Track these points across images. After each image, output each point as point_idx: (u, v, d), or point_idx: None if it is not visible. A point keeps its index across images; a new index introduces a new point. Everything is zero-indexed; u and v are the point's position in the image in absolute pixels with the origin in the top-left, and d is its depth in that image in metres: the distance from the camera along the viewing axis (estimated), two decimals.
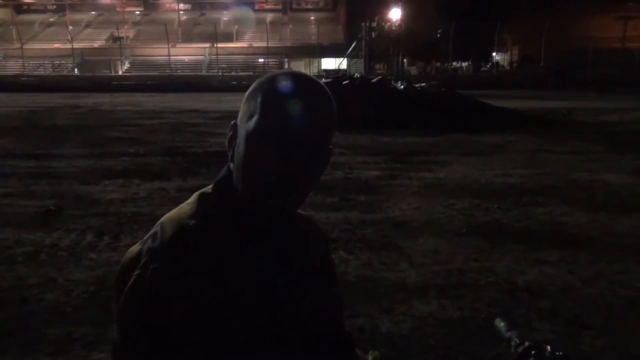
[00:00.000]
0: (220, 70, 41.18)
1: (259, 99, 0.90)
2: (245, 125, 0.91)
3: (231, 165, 0.95)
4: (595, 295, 3.59)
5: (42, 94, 27.92)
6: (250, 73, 37.47)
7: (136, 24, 59.86)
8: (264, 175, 0.87)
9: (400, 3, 43.86)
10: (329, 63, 46.98)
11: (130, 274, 0.86)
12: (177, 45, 50.27)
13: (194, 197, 0.97)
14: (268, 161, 0.87)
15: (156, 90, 29.82)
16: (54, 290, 3.68)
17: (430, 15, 41.45)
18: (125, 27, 55.13)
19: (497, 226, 5.13)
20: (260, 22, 54.31)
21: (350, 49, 46.99)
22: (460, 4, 39.68)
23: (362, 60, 45.63)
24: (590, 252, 4.40)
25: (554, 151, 9.57)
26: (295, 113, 0.87)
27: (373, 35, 45.07)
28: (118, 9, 59.91)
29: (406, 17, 43.71)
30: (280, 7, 62.72)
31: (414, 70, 43.16)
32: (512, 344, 1.02)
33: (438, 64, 45.09)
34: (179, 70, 44.87)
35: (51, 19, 59.19)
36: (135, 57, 51.07)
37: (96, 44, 52.95)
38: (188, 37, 54.78)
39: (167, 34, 41.73)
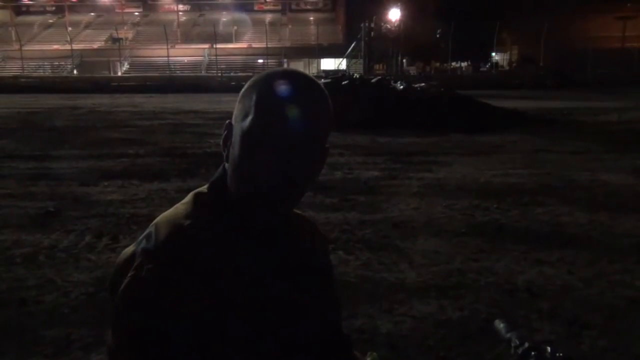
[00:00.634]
0: (219, 71, 41.17)
1: (254, 98, 0.88)
2: (240, 125, 0.89)
3: (226, 165, 0.94)
4: (595, 296, 3.59)
5: (41, 95, 27.94)
6: (250, 74, 37.31)
7: (135, 25, 59.84)
8: (259, 175, 0.86)
9: (399, 3, 43.86)
10: (329, 63, 46.97)
11: (125, 275, 0.85)
12: (177, 46, 50.26)
13: (189, 197, 0.96)
14: (263, 162, 0.86)
15: (155, 91, 29.85)
16: (52, 292, 3.67)
17: (429, 15, 41.46)
18: (125, 28, 55.14)
19: (497, 226, 5.13)
20: (259, 23, 54.31)
21: (350, 49, 46.97)
22: (459, 4, 39.67)
23: (361, 60, 45.59)
24: (590, 252, 4.39)
25: (554, 151, 9.57)
26: (291, 112, 0.85)
27: (372, 36, 45.06)
28: (117, 10, 59.90)
29: (405, 18, 43.71)
30: (279, 7, 62.72)
31: (413, 71, 43.13)
32: (512, 345, 1.01)
33: (437, 64, 45.07)
34: (178, 71, 44.83)
35: (50, 20, 59.18)
36: (135, 58, 51.04)
37: (95, 45, 52.93)
38: (187, 38, 54.78)
39: (166, 34, 41.71)
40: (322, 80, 15.04)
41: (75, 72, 46.53)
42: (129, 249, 0.90)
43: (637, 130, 12.30)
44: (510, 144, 10.44)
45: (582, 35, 37.80)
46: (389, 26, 44.87)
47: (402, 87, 14.90)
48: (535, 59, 40.42)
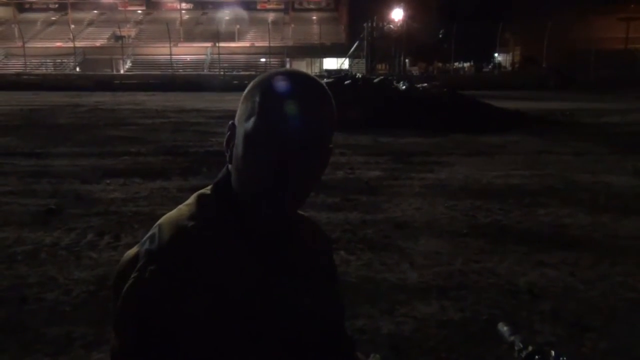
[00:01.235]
0: (221, 70, 41.14)
1: (257, 99, 0.88)
2: (243, 126, 0.89)
3: (229, 166, 0.94)
4: (597, 298, 3.58)
5: (43, 92, 27.97)
6: (252, 73, 37.37)
7: (138, 23, 59.86)
8: (263, 177, 0.86)
9: (402, 3, 43.81)
10: (331, 63, 46.94)
11: (128, 276, 0.85)
12: (179, 45, 50.26)
13: (192, 198, 0.95)
14: (266, 163, 0.85)
15: (158, 89, 29.88)
16: (53, 290, 3.67)
17: (432, 15, 41.40)
18: (127, 26, 55.15)
19: (499, 227, 5.12)
20: (262, 22, 54.31)
21: (352, 49, 46.94)
22: (462, 4, 39.62)
23: (364, 60, 45.57)
24: (592, 253, 4.39)
25: (556, 152, 9.55)
26: (294, 114, 0.85)
27: (375, 36, 45.02)
28: (120, 8, 59.96)
29: (408, 18, 43.67)
30: (282, 6, 62.69)
31: (415, 71, 43.11)
32: (516, 348, 1.00)
33: (440, 65, 45.04)
34: (181, 70, 44.82)
35: (53, 18, 59.22)
36: (137, 56, 51.05)
37: (98, 43, 52.93)
38: (190, 37, 54.78)
39: (169, 33, 41.70)
40: (325, 80, 15.05)
41: (77, 69, 46.55)
42: (133, 250, 0.90)
43: None
44: (513, 145, 10.42)
45: (585, 36, 37.71)
46: (391, 26, 44.83)
47: (404, 87, 14.89)
48: (538, 59, 40.33)
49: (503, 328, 1.07)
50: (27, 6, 61.50)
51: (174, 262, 0.84)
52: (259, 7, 62.10)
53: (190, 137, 11.52)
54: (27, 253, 4.39)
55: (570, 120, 14.83)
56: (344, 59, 47.04)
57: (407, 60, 44.74)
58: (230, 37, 51.90)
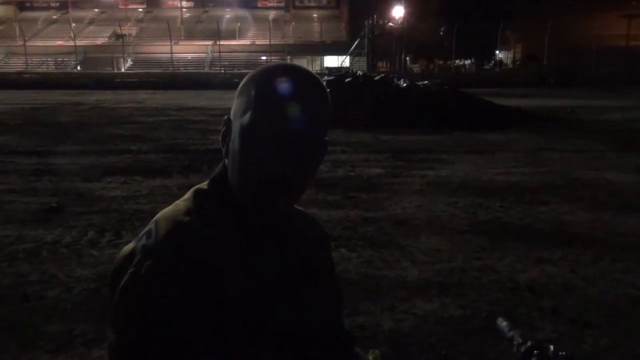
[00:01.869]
0: (222, 68, 41.15)
1: (252, 94, 0.88)
2: (239, 120, 0.89)
3: (226, 161, 0.94)
4: (598, 295, 3.58)
5: (44, 91, 27.96)
6: (253, 71, 37.26)
7: (139, 21, 59.87)
8: (259, 171, 0.86)
9: (403, 1, 43.77)
10: (332, 61, 46.93)
11: (125, 272, 0.85)
12: (180, 43, 50.27)
13: (189, 193, 0.95)
14: (263, 157, 0.85)
15: (159, 87, 29.86)
16: (55, 287, 3.67)
17: (433, 13, 41.36)
18: (128, 24, 55.16)
19: (499, 224, 5.12)
20: (262, 20, 54.27)
21: (353, 46, 46.94)
22: (463, 2, 39.58)
23: (364, 58, 45.57)
24: (593, 251, 4.38)
25: (557, 149, 9.54)
26: (290, 108, 0.85)
27: (376, 33, 44.99)
28: (121, 7, 59.99)
29: (409, 15, 43.63)
30: (282, 4, 62.64)
31: (416, 68, 43.12)
32: (515, 343, 1.01)
33: (441, 62, 45.02)
34: (182, 68, 44.87)
35: (54, 17, 59.25)
36: (138, 55, 51.07)
37: (99, 42, 52.95)
38: (191, 35, 54.79)
39: (169, 31, 41.74)
40: (325, 77, 15.05)
41: (78, 68, 46.58)
42: (129, 246, 0.90)
43: None
44: (513, 142, 10.42)
45: (586, 33, 37.70)
46: (392, 24, 44.80)
47: (405, 84, 14.88)
48: (539, 57, 40.31)
49: (502, 323, 1.08)
50: (28, 5, 61.53)
51: (170, 258, 0.84)
52: (259, 5, 62.08)
53: (190, 134, 11.52)
54: (28, 251, 4.39)
55: (570, 117, 14.82)
56: (344, 56, 47.03)
57: (408, 58, 44.73)
58: (231, 35, 51.92)
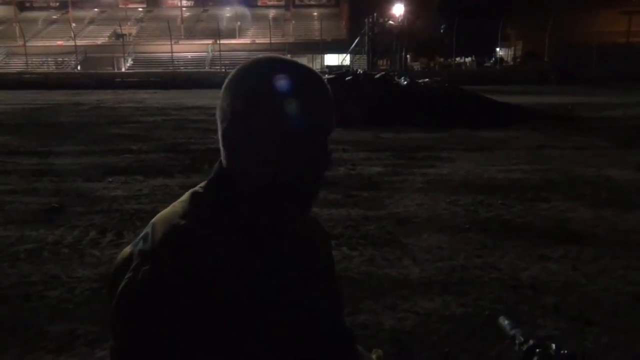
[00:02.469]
0: (223, 67, 41.10)
1: (258, 93, 0.87)
2: (242, 120, 0.88)
3: (223, 162, 0.93)
4: (599, 292, 3.58)
5: (45, 91, 27.99)
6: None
7: (139, 20, 59.79)
8: (270, 175, 0.86)
9: None
10: (332, 59, 46.87)
11: (123, 276, 0.84)
12: (180, 42, 50.18)
13: (186, 196, 0.94)
14: (274, 161, 0.85)
15: (159, 87, 29.89)
16: (56, 288, 3.68)
17: (433, 10, 41.31)
18: (128, 24, 55.09)
19: (501, 222, 5.12)
20: (263, 19, 54.22)
21: (354, 45, 46.84)
22: None
23: (365, 56, 45.50)
24: (594, 248, 4.38)
25: (558, 147, 9.54)
26: (301, 110, 0.85)
27: (376, 31, 44.93)
28: (121, 6, 59.88)
29: (409, 13, 43.57)
30: (282, 3, 62.56)
31: (417, 66, 43.00)
32: (517, 342, 1.00)
33: (441, 60, 44.92)
34: (182, 67, 44.79)
35: (54, 17, 59.16)
36: (138, 54, 51.01)
37: (99, 41, 52.87)
38: (191, 34, 54.72)
39: (169, 30, 41.68)
40: (326, 75, 15.03)
41: (79, 68, 46.53)
42: (127, 250, 0.89)
43: None
44: (514, 140, 10.41)
45: (587, 30, 37.61)
46: (392, 22, 44.74)
47: (405, 82, 14.87)
48: (539, 54, 40.25)
49: (504, 322, 1.07)
50: (28, 5, 61.46)
51: (168, 262, 0.83)
52: (259, 3, 61.96)
53: (191, 134, 11.53)
54: (30, 251, 4.40)
55: (571, 114, 14.80)
56: (345, 55, 46.96)
57: (408, 56, 44.63)
58: (231, 34, 51.84)
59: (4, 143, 10.36)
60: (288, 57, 0.95)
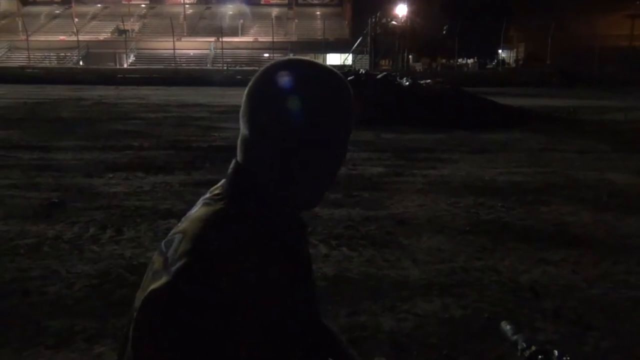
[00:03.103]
0: (225, 65, 41.11)
1: (298, 103, 0.86)
2: (291, 132, 0.87)
3: (239, 159, 0.93)
4: (599, 296, 3.57)
5: (47, 86, 27.97)
6: (255, 68, 37.24)
7: (142, 17, 59.80)
8: (322, 185, 0.92)
9: None
10: (334, 59, 46.89)
11: (156, 300, 0.81)
12: (183, 39, 50.18)
13: (213, 205, 0.90)
14: (327, 171, 0.92)
15: (161, 83, 29.84)
16: (56, 283, 3.68)
17: (436, 11, 41.29)
18: (131, 20, 55.10)
19: (501, 225, 5.11)
20: (265, 17, 54.22)
21: (356, 44, 46.87)
22: (466, 0, 39.50)
23: (367, 56, 45.51)
24: (594, 252, 4.38)
25: (559, 150, 9.53)
26: (341, 118, 0.92)
27: (379, 31, 44.94)
28: (124, 2, 59.88)
29: (412, 13, 43.56)
30: (285, 1, 62.56)
31: (419, 67, 43.02)
32: (519, 347, 1.00)
33: (443, 61, 44.93)
34: (184, 64, 44.78)
35: (57, 11, 59.18)
36: (141, 50, 51.04)
37: (101, 37, 52.93)
38: (193, 31, 54.72)
39: (172, 27, 41.70)
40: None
41: (81, 63, 46.55)
42: (159, 279, 0.83)
43: None
44: (516, 142, 10.40)
45: (590, 33, 37.55)
46: (395, 22, 44.74)
47: (407, 83, 14.86)
48: (542, 56, 40.23)
49: (506, 327, 1.07)
50: None
51: (203, 282, 0.80)
52: (262, 2, 61.99)
53: (193, 131, 11.52)
54: (29, 246, 4.40)
55: (573, 117, 14.80)
56: (347, 54, 46.98)
57: (410, 56, 44.65)
58: (234, 32, 51.84)
59: (5, 137, 10.36)
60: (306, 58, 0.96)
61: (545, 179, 7.07)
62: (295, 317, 0.90)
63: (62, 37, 50.29)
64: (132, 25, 55.01)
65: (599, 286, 3.72)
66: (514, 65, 45.38)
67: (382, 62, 45.08)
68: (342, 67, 32.69)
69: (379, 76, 15.48)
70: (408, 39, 42.20)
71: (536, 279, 3.81)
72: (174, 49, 42.57)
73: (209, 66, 44.91)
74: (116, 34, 52.82)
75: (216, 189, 0.94)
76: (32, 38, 46.95)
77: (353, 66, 36.45)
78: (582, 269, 4.01)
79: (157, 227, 4.87)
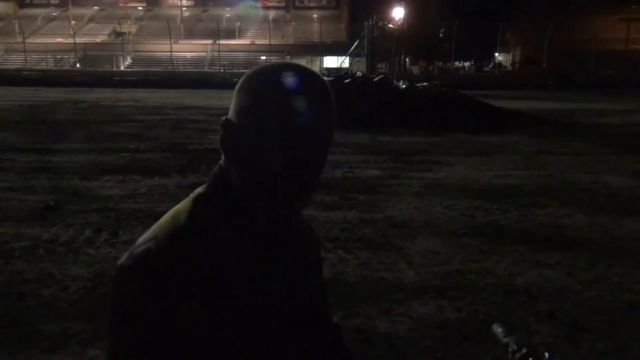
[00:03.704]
0: (222, 67, 41.12)
1: (263, 95, 0.86)
2: (249, 123, 0.87)
3: (222, 163, 0.93)
4: (594, 299, 3.58)
5: (43, 88, 27.92)
6: (255, 70, 37.05)
7: (139, 19, 59.75)
8: (280, 175, 0.85)
9: (403, 2, 43.77)
10: (331, 61, 46.89)
11: (127, 285, 0.83)
12: (180, 42, 50.19)
13: (189, 199, 0.94)
14: (284, 161, 0.84)
15: (158, 86, 29.81)
16: (51, 286, 3.67)
17: (433, 14, 41.40)
18: (128, 22, 55.10)
19: (497, 227, 5.12)
20: (262, 19, 54.23)
21: (353, 47, 46.92)
22: (463, 3, 39.62)
23: (364, 59, 45.57)
24: (589, 255, 4.39)
25: (555, 152, 9.55)
26: (310, 110, 0.84)
27: (376, 34, 45.01)
28: (121, 4, 59.87)
29: (409, 16, 43.64)
30: (283, 4, 62.59)
31: (416, 70, 43.09)
32: (510, 350, 1.00)
33: (440, 64, 45.02)
34: (181, 67, 44.79)
35: (54, 14, 59.09)
36: (138, 53, 50.98)
37: (98, 39, 52.83)
38: (190, 34, 54.70)
39: (169, 29, 41.74)
40: (325, 78, 15.03)
41: (78, 65, 46.48)
42: (130, 253, 0.87)
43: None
44: (512, 145, 10.42)
45: (586, 36, 37.72)
46: (392, 25, 44.82)
47: (404, 86, 14.89)
48: (538, 59, 40.36)
49: (497, 329, 1.07)
50: (27, 2, 61.36)
51: (171, 267, 0.83)
52: (260, 4, 62.00)
53: (189, 134, 11.51)
54: (25, 249, 4.39)
55: (569, 120, 14.83)
56: (344, 57, 47.01)
57: (407, 59, 44.70)
58: (231, 35, 51.86)
59: (1, 140, 10.34)
60: (294, 61, 0.95)
61: (541, 182, 7.09)
62: (273, 317, 0.90)
63: (59, 40, 50.24)
64: (129, 27, 54.98)
65: (593, 289, 3.73)
66: (510, 68, 45.50)
67: (379, 65, 45.11)
68: (339, 70, 32.74)
69: (376, 79, 15.51)
70: (405, 42, 42.26)
71: (531, 282, 3.82)
72: (170, 52, 42.60)
73: (206, 69, 44.90)
74: (113, 36, 52.76)
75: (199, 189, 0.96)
76: (28, 40, 46.93)
77: (350, 69, 36.47)
78: (577, 272, 4.02)
79: None
